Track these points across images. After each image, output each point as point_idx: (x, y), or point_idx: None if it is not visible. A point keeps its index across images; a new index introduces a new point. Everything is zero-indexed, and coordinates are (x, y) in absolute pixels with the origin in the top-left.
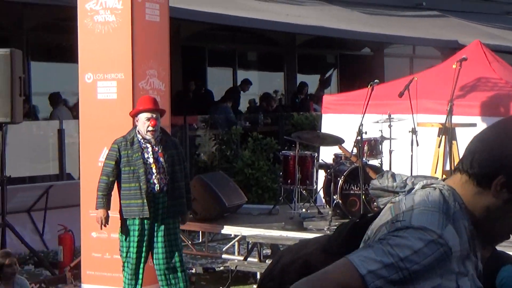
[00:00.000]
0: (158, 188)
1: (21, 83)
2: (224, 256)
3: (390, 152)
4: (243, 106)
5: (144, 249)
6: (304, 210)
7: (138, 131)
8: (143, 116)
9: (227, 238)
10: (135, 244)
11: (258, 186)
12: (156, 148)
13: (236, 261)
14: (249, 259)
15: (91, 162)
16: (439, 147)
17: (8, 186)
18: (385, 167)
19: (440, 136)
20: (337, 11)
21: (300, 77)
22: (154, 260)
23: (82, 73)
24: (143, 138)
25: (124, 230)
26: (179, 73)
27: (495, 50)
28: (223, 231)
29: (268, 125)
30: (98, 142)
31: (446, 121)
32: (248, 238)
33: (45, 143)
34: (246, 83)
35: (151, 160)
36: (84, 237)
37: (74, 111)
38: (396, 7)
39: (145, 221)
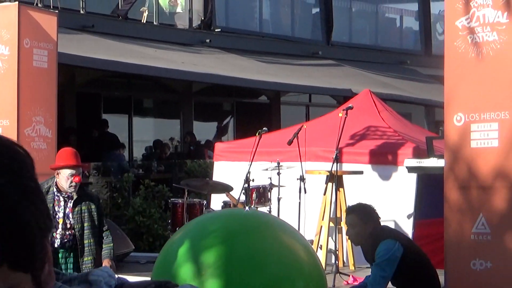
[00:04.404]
0: (59, 243)
1: None
2: None
3: (279, 199)
4: (138, 153)
5: None
6: None
7: (56, 183)
8: (66, 172)
9: None
10: None
11: (149, 233)
12: (68, 203)
13: None
14: None
15: None
16: (325, 194)
17: None
18: (274, 214)
19: (327, 183)
20: (234, 59)
21: (197, 124)
22: None
23: None
24: (59, 191)
25: None
26: (73, 120)
27: (387, 99)
28: None
29: (161, 172)
30: None
31: (331, 168)
32: None
33: None
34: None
35: (60, 214)
36: None
37: None
38: (292, 55)
39: None
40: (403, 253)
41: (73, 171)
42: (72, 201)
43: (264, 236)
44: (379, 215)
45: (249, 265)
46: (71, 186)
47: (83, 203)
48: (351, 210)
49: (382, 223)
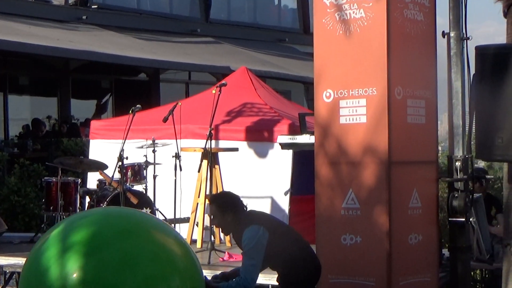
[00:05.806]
0: None
1: None
2: None
3: (154, 177)
4: (16, 131)
5: None
6: None
7: None
8: None
9: None
10: None
11: (25, 213)
12: None
13: None
14: None
15: None
16: (199, 171)
17: None
18: (150, 193)
19: (202, 160)
20: (111, 37)
21: (74, 102)
22: None
23: None
24: None
25: None
26: None
27: (266, 76)
28: None
29: (37, 151)
30: None
31: (205, 145)
32: (5, 267)
33: None
34: None
35: None
36: None
37: None
38: (171, 33)
39: None
40: (269, 237)
41: None
42: None
43: (137, 238)
44: (244, 201)
45: (121, 268)
46: None
47: None
48: (210, 200)
49: (260, 200)
